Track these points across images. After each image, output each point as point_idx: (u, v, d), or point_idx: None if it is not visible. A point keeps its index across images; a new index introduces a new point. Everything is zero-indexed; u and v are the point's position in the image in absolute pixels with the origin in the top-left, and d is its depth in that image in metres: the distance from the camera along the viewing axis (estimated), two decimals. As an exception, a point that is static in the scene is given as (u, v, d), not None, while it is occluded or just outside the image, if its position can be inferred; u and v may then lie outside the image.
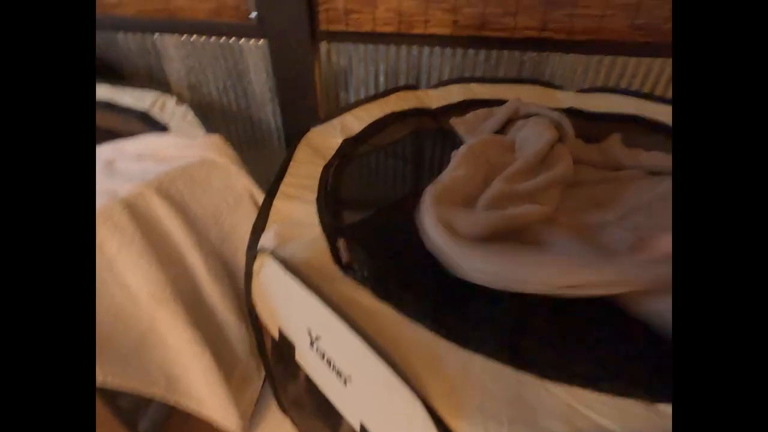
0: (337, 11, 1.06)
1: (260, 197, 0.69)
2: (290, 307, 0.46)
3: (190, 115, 0.76)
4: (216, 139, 0.64)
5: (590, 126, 0.86)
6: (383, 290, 0.41)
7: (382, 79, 1.17)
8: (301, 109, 1.24)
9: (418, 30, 1.05)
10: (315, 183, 0.61)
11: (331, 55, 1.15)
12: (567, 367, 0.36)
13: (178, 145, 0.62)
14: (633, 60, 1.04)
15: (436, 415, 0.31)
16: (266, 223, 0.53)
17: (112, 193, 0.49)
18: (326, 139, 0.73)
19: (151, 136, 0.65)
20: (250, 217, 0.67)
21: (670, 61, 1.03)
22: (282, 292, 0.47)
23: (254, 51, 1.17)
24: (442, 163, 0.80)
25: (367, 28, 1.07)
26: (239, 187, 0.65)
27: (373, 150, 0.89)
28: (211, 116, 1.34)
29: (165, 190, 0.53)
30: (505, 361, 0.36)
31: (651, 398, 0.32)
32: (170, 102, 0.81)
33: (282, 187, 0.58)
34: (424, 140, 0.84)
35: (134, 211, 0.49)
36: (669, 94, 1.08)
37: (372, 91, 1.20)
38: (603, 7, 0.98)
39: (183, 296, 0.55)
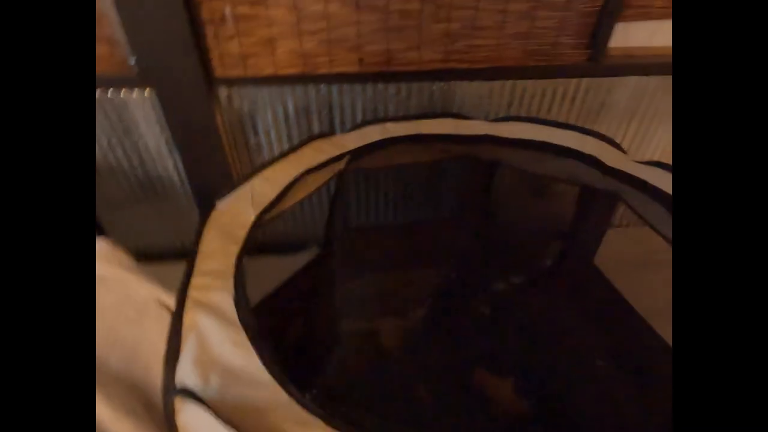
0: (233, 56, 0.97)
1: (171, 300, 0.59)
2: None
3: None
4: (100, 246, 0.53)
5: (507, 151, 0.88)
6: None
7: (292, 118, 1.10)
8: (207, 161, 1.12)
9: (324, 70, 1.01)
10: (231, 281, 0.53)
11: (233, 100, 1.06)
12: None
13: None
14: (530, 83, 1.10)
15: None
16: (179, 348, 0.44)
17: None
18: (236, 215, 0.64)
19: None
20: (161, 325, 0.57)
21: (561, 81, 1.11)
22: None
23: (140, 102, 1.03)
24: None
25: (268, 71, 0.99)
26: (141, 297, 0.55)
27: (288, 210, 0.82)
28: (98, 176, 1.16)
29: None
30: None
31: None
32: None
33: (192, 293, 0.50)
34: (343, 182, 0.80)
35: None
36: (563, 113, 1.16)
37: (283, 132, 1.12)
38: (497, 36, 1.02)
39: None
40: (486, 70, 1.06)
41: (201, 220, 0.62)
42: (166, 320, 0.60)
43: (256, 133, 1.13)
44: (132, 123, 1.07)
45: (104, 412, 0.49)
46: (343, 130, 0.89)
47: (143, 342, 0.56)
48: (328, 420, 0.36)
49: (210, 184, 1.17)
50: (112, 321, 0.51)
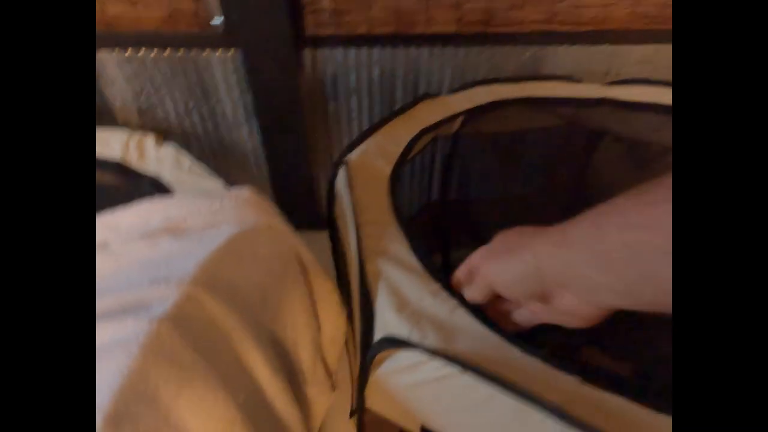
0: (325, 12, 0.91)
1: (307, 255, 0.54)
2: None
3: (186, 160, 0.58)
4: (247, 194, 0.49)
5: (628, 116, 0.81)
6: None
7: (376, 83, 1.04)
8: (285, 127, 1.07)
9: (420, 29, 0.94)
10: (395, 230, 0.48)
11: (317, 62, 1.00)
12: None
13: (200, 211, 0.45)
14: (636, 48, 1.02)
15: None
16: (372, 300, 0.40)
17: (144, 306, 0.32)
18: (370, 168, 0.60)
19: (151, 202, 0.47)
20: (296, 284, 0.53)
21: (664, 47, 1.03)
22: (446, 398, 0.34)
23: (222, 64, 0.98)
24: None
25: (361, 30, 0.93)
26: (286, 250, 0.50)
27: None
28: (172, 141, 1.12)
29: (215, 282, 0.37)
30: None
31: None
32: (149, 143, 0.62)
33: (366, 241, 0.45)
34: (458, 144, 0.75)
35: (187, 328, 0.33)
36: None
37: (365, 100, 1.07)
38: (607, -5, 0.94)
39: (253, 420, 0.40)
40: (589, 33, 0.99)
41: (340, 173, 0.57)
42: (301, 277, 0.56)
43: (336, 99, 1.07)
44: (212, 86, 1.02)
45: (263, 372, 0.44)
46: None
47: (283, 300, 0.51)
48: (582, 375, 0.30)
49: (284, 152, 1.13)
50: (264, 273, 0.47)
